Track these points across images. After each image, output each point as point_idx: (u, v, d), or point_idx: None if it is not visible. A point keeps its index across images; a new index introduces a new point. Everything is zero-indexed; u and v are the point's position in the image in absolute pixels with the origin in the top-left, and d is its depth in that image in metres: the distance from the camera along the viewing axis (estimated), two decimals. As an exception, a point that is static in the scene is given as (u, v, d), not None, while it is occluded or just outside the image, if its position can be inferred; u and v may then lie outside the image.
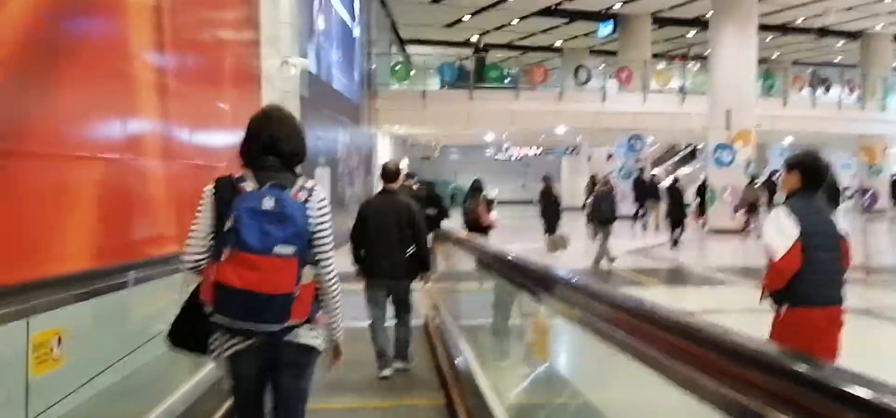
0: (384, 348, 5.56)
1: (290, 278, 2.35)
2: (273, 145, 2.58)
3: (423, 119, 23.93)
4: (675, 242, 16.11)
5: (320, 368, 2.74)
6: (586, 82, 24.94)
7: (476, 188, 11.34)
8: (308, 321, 2.53)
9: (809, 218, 3.53)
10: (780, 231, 3.53)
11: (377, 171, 24.23)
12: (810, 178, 3.64)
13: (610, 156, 39.94)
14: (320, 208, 2.60)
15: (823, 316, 3.51)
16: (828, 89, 28.04)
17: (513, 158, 37.28)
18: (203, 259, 2.48)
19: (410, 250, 5.55)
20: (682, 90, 25.45)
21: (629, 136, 27.06)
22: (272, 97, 9.97)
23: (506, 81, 24.82)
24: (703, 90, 25.66)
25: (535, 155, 31.93)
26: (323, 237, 2.58)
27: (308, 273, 2.48)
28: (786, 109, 25.34)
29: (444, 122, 24.37)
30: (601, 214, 13.23)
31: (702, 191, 22.86)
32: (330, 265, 2.62)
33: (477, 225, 10.86)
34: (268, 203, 2.37)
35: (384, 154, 26.11)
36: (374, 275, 5.62)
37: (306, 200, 2.54)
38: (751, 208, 18.93)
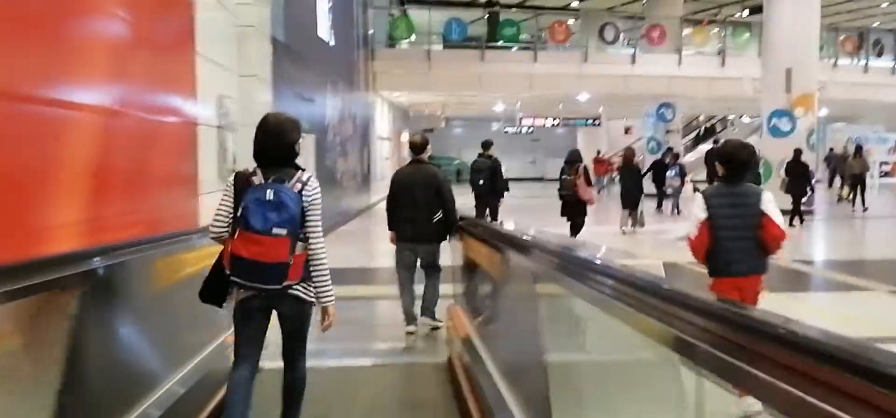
0: (409, 308, 6.06)
1: (284, 251, 3.10)
2: (268, 150, 3.28)
3: (428, 83, 20.87)
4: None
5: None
6: (614, 42, 21.84)
7: (574, 159, 10.69)
8: (303, 281, 3.27)
9: (722, 202, 4.15)
10: (695, 213, 4.20)
11: (375, 144, 21.39)
12: (735, 168, 4.19)
13: (628, 130, 37.28)
14: (312, 195, 3.27)
15: (733, 284, 4.06)
16: (881, 53, 25.02)
17: (525, 131, 34.22)
18: (224, 233, 3.26)
19: (438, 216, 5.88)
20: (721, 52, 22.37)
21: (659, 104, 24.04)
22: (216, 32, 6.98)
23: (522, 39, 21.65)
24: (746, 51, 22.88)
25: (552, 127, 28.78)
26: (313, 217, 3.27)
27: (300, 247, 3.21)
28: (834, 74, 22.25)
29: (451, 87, 21.33)
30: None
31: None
32: (318, 239, 3.32)
33: (575, 201, 10.30)
34: (269, 194, 3.10)
35: (382, 124, 23.07)
36: (403, 239, 6.03)
37: (301, 190, 3.22)
38: (856, 182, 15.98)
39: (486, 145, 12.00)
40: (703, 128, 37.19)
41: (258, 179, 3.19)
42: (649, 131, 25.01)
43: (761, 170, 17.89)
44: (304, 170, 3.32)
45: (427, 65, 20.37)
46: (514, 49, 21.65)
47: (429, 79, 20.66)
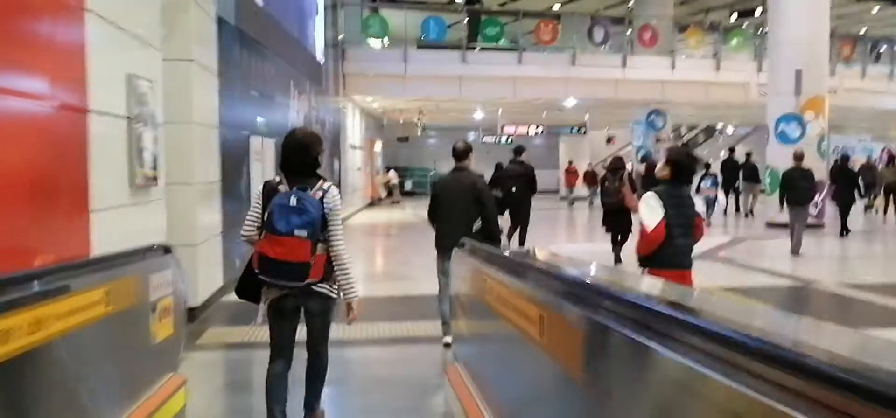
0: (447, 315, 5.79)
1: (305, 252, 3.44)
2: (293, 162, 3.64)
3: (404, 86, 19.15)
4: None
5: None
6: (603, 43, 20.34)
7: (617, 166, 10.55)
8: (325, 280, 3.63)
9: (672, 203, 4.43)
10: (652, 210, 4.42)
11: (346, 154, 19.59)
12: (679, 172, 4.51)
13: (610, 140, 35.91)
14: (333, 203, 3.59)
15: (675, 276, 4.24)
16: (878, 58, 23.94)
17: (503, 141, 32.64)
18: (253, 235, 3.63)
19: (477, 225, 5.67)
20: (716, 55, 21.01)
21: (649, 111, 22.62)
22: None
23: (506, 41, 20.04)
24: (740, 53, 21.57)
25: (535, 135, 27.15)
26: (334, 223, 3.60)
27: (321, 248, 3.55)
28: (832, 80, 20.95)
29: (430, 91, 19.63)
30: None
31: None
32: (339, 241, 3.63)
33: (620, 210, 9.88)
34: (292, 200, 3.45)
35: (354, 132, 21.28)
36: (442, 247, 5.81)
37: (322, 197, 3.56)
38: (890, 191, 14.66)
39: (519, 150, 11.42)
40: (685, 138, 36.08)
41: (284, 187, 3.55)
42: (638, 139, 23.60)
43: (767, 180, 16.53)
44: (325, 180, 3.63)
45: (403, 66, 18.65)
46: (498, 50, 20.04)
47: (405, 82, 18.94)
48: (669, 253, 4.38)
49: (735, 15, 26.62)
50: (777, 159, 16.19)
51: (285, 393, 3.69)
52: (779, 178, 16.07)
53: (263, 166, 10.16)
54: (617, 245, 10.26)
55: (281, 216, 3.40)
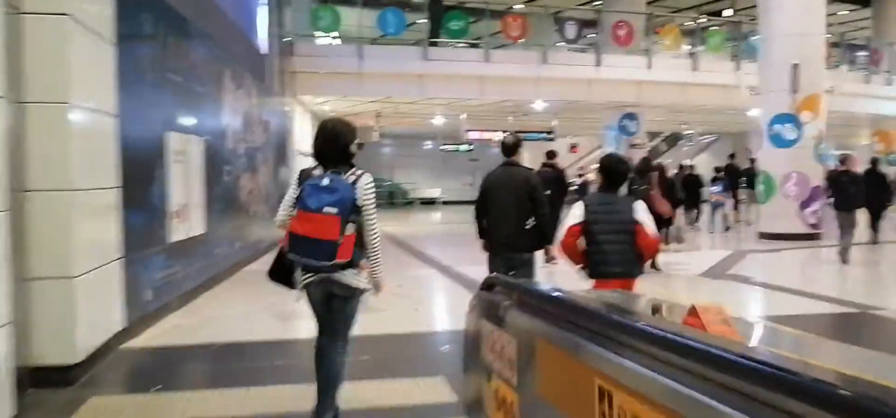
0: None
1: (334, 230, 3.47)
2: (325, 151, 3.73)
3: (360, 86, 17.22)
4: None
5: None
6: (575, 40, 18.79)
7: (645, 167, 10.21)
8: (352, 265, 3.66)
9: (598, 209, 4.43)
10: (571, 216, 4.47)
11: (295, 161, 17.54)
12: (609, 179, 4.57)
13: (574, 147, 34.53)
14: (366, 188, 3.66)
15: (607, 286, 4.28)
16: (853, 61, 23.01)
17: (464, 149, 30.92)
18: (286, 220, 3.69)
19: (530, 222, 5.40)
20: (693, 54, 19.68)
21: (621, 116, 21.14)
22: None
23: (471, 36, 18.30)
24: (720, 54, 20.28)
25: (499, 142, 25.44)
26: (368, 207, 3.64)
27: (350, 228, 3.57)
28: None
29: (389, 91, 17.74)
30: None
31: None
32: (374, 226, 3.68)
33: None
34: (325, 181, 3.56)
35: (303, 137, 19.22)
36: (495, 246, 5.58)
37: (354, 182, 3.63)
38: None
39: (551, 154, 11.21)
40: (647, 147, 34.95)
41: (318, 172, 3.67)
42: (611, 145, 22.11)
43: (761, 185, 15.14)
44: (358, 167, 3.74)
45: (358, 63, 16.73)
46: (463, 46, 18.30)
47: (360, 80, 17.02)
48: (597, 258, 4.39)
49: (704, 18, 25.51)
50: (772, 163, 14.85)
51: (331, 358, 3.85)
52: (773, 185, 14.77)
53: (188, 170, 8.14)
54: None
55: (312, 194, 3.49)
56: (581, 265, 4.57)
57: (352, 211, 3.55)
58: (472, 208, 5.92)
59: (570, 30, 18.52)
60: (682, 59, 19.74)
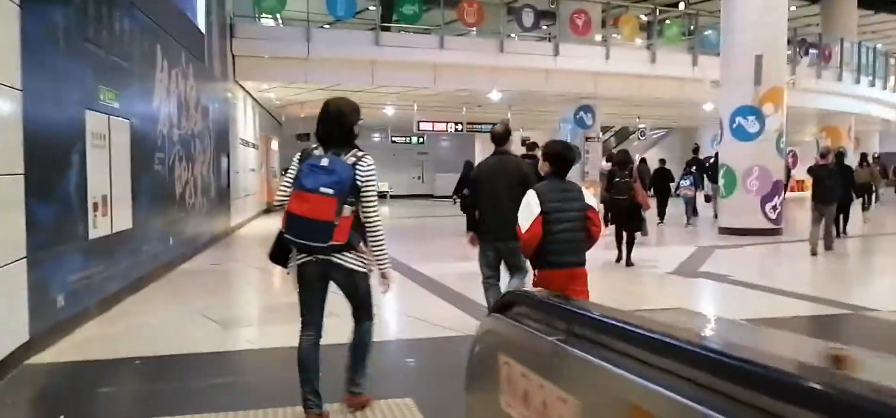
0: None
1: (330, 210, 3.41)
2: (328, 131, 3.66)
3: (307, 73, 16.23)
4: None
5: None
6: (532, 28, 18.17)
7: (625, 160, 10.32)
8: (350, 247, 3.59)
9: (552, 197, 4.24)
10: (528, 208, 4.24)
11: (237, 151, 16.44)
12: (558, 165, 4.39)
13: (525, 141, 34.05)
14: (367, 170, 3.58)
15: (563, 275, 4.22)
16: (807, 52, 23.03)
17: (415, 141, 30.12)
18: (285, 201, 3.56)
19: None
20: (650, 46, 19.31)
21: (577, 108, 20.66)
22: None
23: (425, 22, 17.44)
24: (678, 45, 19.97)
25: (454, 133, 24.60)
26: (368, 190, 3.58)
27: (347, 210, 3.50)
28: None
29: (337, 78, 16.78)
30: None
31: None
32: (373, 209, 3.62)
33: (630, 206, 9.80)
34: (324, 161, 3.50)
35: (246, 126, 18.11)
36: (486, 236, 5.58)
37: (355, 163, 3.55)
38: (863, 191, 13.24)
39: (531, 145, 10.57)
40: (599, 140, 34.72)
41: (319, 152, 3.61)
42: (566, 138, 21.64)
43: (722, 180, 14.79)
44: (360, 149, 3.65)
45: (305, 47, 15.73)
46: (417, 32, 17.46)
47: (307, 66, 16.04)
48: (552, 248, 4.25)
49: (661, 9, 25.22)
50: (733, 157, 14.51)
51: (316, 366, 3.71)
52: (735, 179, 14.42)
53: (111, 156, 7.13)
54: (629, 244, 9.97)
55: (309, 174, 3.44)
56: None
57: (350, 192, 3.49)
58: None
59: (528, 18, 17.85)
60: (640, 51, 19.35)
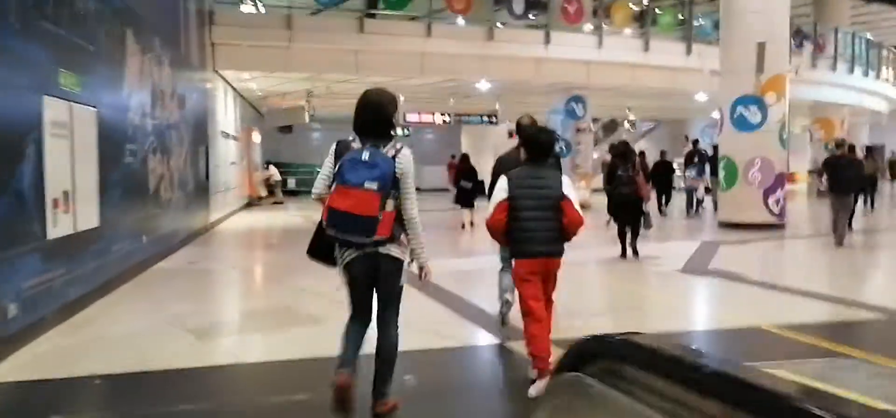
0: (505, 293, 5.47)
1: (374, 205, 3.34)
2: (366, 123, 3.52)
3: (289, 61, 15.51)
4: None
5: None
6: (523, 16, 17.57)
7: (626, 151, 9.96)
8: (394, 240, 3.50)
9: (523, 184, 4.12)
10: (496, 193, 4.18)
11: (217, 142, 15.69)
12: (532, 151, 4.25)
13: (512, 133, 33.45)
14: (405, 162, 3.46)
15: (539, 265, 4.14)
16: (801, 44, 22.65)
17: (402, 133, 29.41)
18: (324, 193, 3.49)
19: None
20: (644, 34, 18.78)
21: (568, 98, 20.10)
22: None
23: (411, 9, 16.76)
24: (672, 34, 19.46)
25: (443, 124, 23.88)
26: (406, 182, 3.48)
27: (390, 205, 3.42)
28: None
29: (320, 67, 16.08)
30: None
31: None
32: (411, 202, 3.51)
33: (634, 200, 9.52)
34: (365, 155, 3.38)
35: (227, 117, 17.37)
36: None
37: (394, 156, 3.44)
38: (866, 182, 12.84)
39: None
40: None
41: (357, 144, 3.47)
42: (557, 130, 21.07)
43: (723, 172, 14.31)
44: (398, 140, 3.58)
45: (287, 35, 15.02)
46: (403, 20, 16.78)
47: (289, 55, 15.32)
48: (522, 237, 4.11)
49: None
50: (734, 148, 14.02)
51: (360, 342, 3.66)
52: (736, 171, 13.95)
53: (73, 145, 6.45)
54: (625, 238, 9.78)
55: (351, 169, 3.36)
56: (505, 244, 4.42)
57: (392, 186, 3.42)
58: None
59: (518, 5, 17.25)
60: (633, 40, 18.81)
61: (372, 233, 3.37)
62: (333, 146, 3.55)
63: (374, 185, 3.32)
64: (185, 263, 9.94)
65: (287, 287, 8.18)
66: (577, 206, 4.16)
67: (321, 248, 3.59)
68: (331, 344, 5.47)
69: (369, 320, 3.66)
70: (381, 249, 3.47)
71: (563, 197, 4.11)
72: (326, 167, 3.51)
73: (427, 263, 3.64)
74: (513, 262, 4.34)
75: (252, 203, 21.92)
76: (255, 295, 8.27)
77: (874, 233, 14.16)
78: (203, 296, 7.83)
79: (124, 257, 8.09)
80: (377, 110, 3.53)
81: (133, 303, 7.23)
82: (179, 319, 6.35)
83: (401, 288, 3.63)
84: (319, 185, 3.53)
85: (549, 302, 4.30)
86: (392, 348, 3.65)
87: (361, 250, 3.47)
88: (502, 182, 4.14)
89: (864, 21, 27.99)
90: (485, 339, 5.64)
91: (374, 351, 3.64)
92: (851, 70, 23.46)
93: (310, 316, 6.41)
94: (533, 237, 4.09)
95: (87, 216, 6.80)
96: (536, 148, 4.22)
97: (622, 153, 9.97)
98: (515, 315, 5.15)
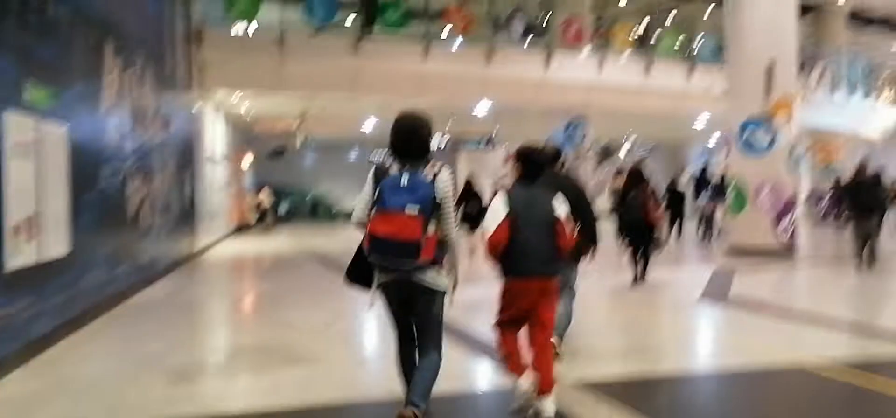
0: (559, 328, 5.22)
1: (416, 230, 3.30)
2: (402, 146, 3.48)
3: (281, 81, 14.98)
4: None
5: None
6: (527, 35, 17.12)
7: (638, 175, 9.62)
8: (435, 263, 3.48)
9: (520, 202, 4.03)
10: (494, 212, 4.05)
11: (204, 167, 15.02)
12: (527, 169, 4.17)
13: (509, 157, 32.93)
14: (444, 185, 3.45)
15: (527, 286, 4.02)
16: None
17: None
18: (365, 219, 3.46)
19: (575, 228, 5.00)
20: (645, 56, 18.36)
21: (568, 122, 19.62)
22: None
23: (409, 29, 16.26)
24: (674, 57, 19.04)
25: (440, 149, 23.34)
26: (446, 204, 3.46)
27: (432, 228, 3.41)
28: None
29: (314, 87, 15.54)
30: None
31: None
32: (452, 225, 3.51)
33: (644, 225, 9.34)
34: (404, 180, 3.37)
35: (215, 140, 16.79)
36: None
37: (433, 179, 3.42)
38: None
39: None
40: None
41: (394, 168, 3.44)
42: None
43: (732, 196, 13.78)
44: (436, 162, 3.51)
45: (279, 56, 14.52)
46: (400, 40, 16.27)
47: (281, 76, 14.80)
48: (518, 255, 3.99)
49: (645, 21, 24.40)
50: (743, 172, 13.51)
51: (415, 362, 3.64)
52: (744, 196, 13.43)
53: (39, 166, 5.83)
54: (636, 261, 9.55)
55: (392, 194, 3.34)
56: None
57: (433, 208, 3.41)
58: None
59: (518, 25, 16.81)
60: (634, 62, 18.39)
61: (415, 256, 3.34)
62: (371, 171, 3.54)
63: (415, 209, 3.31)
64: (167, 294, 9.28)
65: (276, 321, 7.53)
66: (569, 228, 4.16)
67: (359, 273, 3.58)
68: (325, 390, 4.86)
69: (414, 339, 3.65)
70: (416, 277, 3.45)
71: (558, 218, 4.08)
72: (365, 193, 3.49)
73: (458, 280, 3.67)
74: (503, 282, 4.17)
75: (241, 229, 21.26)
76: (242, 330, 7.60)
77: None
78: (183, 332, 7.15)
79: (98, 288, 7.43)
80: (413, 133, 3.49)
81: (106, 339, 6.57)
82: (155, 359, 5.69)
83: (439, 315, 3.59)
84: (359, 212, 3.50)
85: (544, 326, 4.08)
86: (434, 364, 3.58)
87: (395, 274, 3.44)
88: (499, 201, 4.06)
89: (862, 47, 27.80)
90: (498, 379, 4.99)
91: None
92: (851, 93, 23.15)
93: (301, 356, 5.77)
94: (528, 256, 4.01)
95: (54, 243, 6.16)
96: (531, 165, 4.17)
97: (634, 176, 9.68)
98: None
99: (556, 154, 5.62)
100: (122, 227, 8.54)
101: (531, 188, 4.14)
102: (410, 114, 3.60)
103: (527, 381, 3.90)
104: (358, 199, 3.52)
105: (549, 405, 3.85)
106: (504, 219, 3.97)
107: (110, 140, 7.98)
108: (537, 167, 4.20)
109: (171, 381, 5.06)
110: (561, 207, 4.12)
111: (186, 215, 12.74)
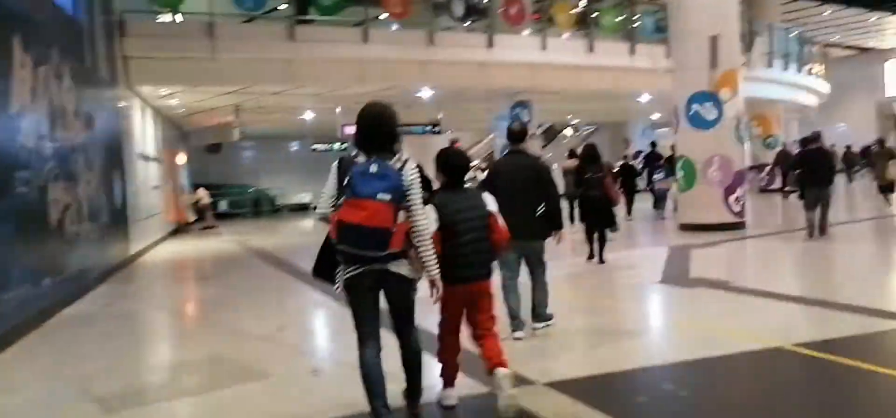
0: (516, 311, 5.53)
1: (387, 217, 3.26)
2: (369, 137, 3.42)
3: (211, 73, 14.20)
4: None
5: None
6: (464, 19, 16.73)
7: (594, 154, 9.72)
8: (405, 255, 3.45)
9: (449, 209, 3.88)
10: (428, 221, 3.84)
11: (135, 166, 14.16)
12: (449, 175, 4.05)
13: (455, 141, 32.63)
14: (411, 174, 3.38)
15: (465, 291, 3.93)
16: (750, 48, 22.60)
17: (340, 147, 28.25)
18: (329, 212, 3.41)
19: (541, 209, 5.43)
20: (587, 35, 18.19)
21: (513, 104, 19.40)
22: None
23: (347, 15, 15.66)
24: (615, 34, 18.92)
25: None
26: (413, 193, 3.39)
27: (402, 216, 3.37)
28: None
29: (248, 78, 14.80)
30: None
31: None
32: (419, 213, 3.43)
33: (604, 204, 9.27)
34: (373, 167, 3.29)
35: (145, 138, 15.89)
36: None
37: (400, 168, 3.37)
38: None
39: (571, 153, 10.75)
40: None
41: (361, 159, 3.37)
42: (502, 137, 20.33)
43: (681, 171, 13.75)
44: (402, 152, 3.47)
45: (209, 45, 13.73)
46: (338, 26, 15.67)
47: (212, 67, 14.01)
48: (459, 262, 3.86)
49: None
50: (691, 148, 13.48)
51: (383, 380, 3.51)
52: (694, 171, 13.40)
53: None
54: (593, 242, 9.52)
55: (362, 181, 3.26)
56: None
57: (403, 198, 3.35)
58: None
59: (458, 7, 16.40)
60: (576, 41, 18.22)
61: (386, 245, 3.29)
62: (335, 163, 3.48)
63: (387, 196, 3.24)
64: (100, 306, 8.59)
65: (223, 329, 6.99)
66: (502, 221, 4.10)
67: (327, 267, 3.52)
68: (281, 407, 4.40)
69: (379, 345, 3.52)
70: (390, 266, 3.41)
71: (491, 213, 4.05)
72: (330, 185, 3.44)
73: (438, 278, 3.53)
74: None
75: (180, 229, 20.34)
76: (184, 342, 7.01)
77: (844, 225, 13.82)
78: (118, 349, 6.51)
79: (20, 305, 6.74)
80: (379, 123, 3.45)
81: (32, 363, 5.93)
82: (86, 382, 5.12)
83: (413, 301, 3.60)
84: (325, 204, 3.44)
85: (489, 328, 4.01)
86: (416, 357, 3.69)
87: (368, 265, 3.37)
88: (431, 212, 3.84)
89: (794, 19, 28.44)
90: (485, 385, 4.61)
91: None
92: (785, 66, 23.58)
93: (251, 369, 5.27)
94: (470, 261, 3.94)
95: (-37, 262, 5.49)
96: (453, 171, 4.06)
97: (590, 156, 9.73)
98: (536, 344, 4.42)
99: (523, 131, 5.76)
100: (45, 237, 7.81)
101: (456, 193, 4.03)
102: (377, 104, 3.58)
103: (506, 377, 3.75)
104: (323, 192, 3.47)
105: (505, 379, 3.75)
106: (435, 232, 3.77)
107: (24, 143, 7.25)
108: (462, 171, 4.12)
109: (106, 409, 4.51)
110: (491, 203, 4.10)
111: (118, 219, 11.93)
